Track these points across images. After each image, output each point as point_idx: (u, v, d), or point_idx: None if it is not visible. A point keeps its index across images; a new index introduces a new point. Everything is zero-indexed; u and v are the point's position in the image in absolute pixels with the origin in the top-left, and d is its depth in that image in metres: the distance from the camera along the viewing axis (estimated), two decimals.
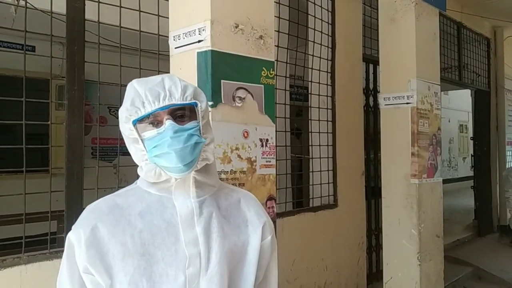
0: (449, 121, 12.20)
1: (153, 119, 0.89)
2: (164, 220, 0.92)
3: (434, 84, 3.29)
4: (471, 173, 7.64)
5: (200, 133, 0.92)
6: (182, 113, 0.91)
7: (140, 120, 0.89)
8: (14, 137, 2.00)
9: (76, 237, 0.88)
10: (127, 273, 0.86)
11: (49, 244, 2.03)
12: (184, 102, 0.90)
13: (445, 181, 3.64)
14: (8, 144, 2.00)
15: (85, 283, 0.88)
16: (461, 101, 11.19)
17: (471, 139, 7.09)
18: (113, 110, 5.02)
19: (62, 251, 0.93)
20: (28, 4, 2.04)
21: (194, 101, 0.92)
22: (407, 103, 3.11)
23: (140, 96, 0.89)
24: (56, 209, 2.10)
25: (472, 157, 6.83)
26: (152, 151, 0.89)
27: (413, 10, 3.14)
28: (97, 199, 2.18)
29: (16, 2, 2.48)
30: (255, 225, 1.01)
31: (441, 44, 5.36)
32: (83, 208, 2.13)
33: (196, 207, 0.94)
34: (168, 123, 0.88)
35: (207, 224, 0.93)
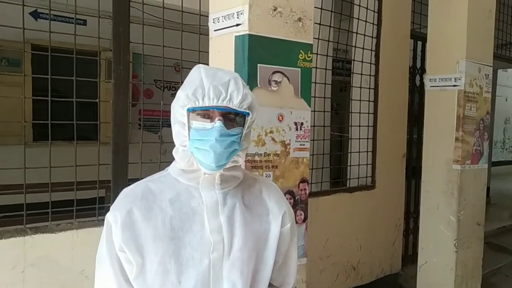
0: (506, 100, 11.43)
1: (206, 113, 0.95)
2: (191, 208, 0.99)
3: (485, 65, 3.10)
4: None
5: (240, 140, 0.98)
6: (233, 117, 0.96)
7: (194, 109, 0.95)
8: (67, 106, 2.18)
9: (113, 219, 0.97)
10: (157, 254, 0.94)
11: (97, 212, 2.22)
12: (239, 110, 0.95)
13: (497, 164, 3.46)
14: (63, 111, 2.25)
15: (120, 259, 0.97)
16: None
17: None
18: (159, 84, 5.14)
19: None
20: None
21: (248, 111, 0.97)
22: (454, 86, 2.96)
23: (203, 88, 0.94)
24: (105, 178, 2.26)
25: None
26: (194, 142, 0.95)
27: None
28: (141, 169, 2.29)
29: None
30: (275, 214, 1.08)
31: (500, 19, 5.01)
32: (129, 180, 2.27)
33: (221, 198, 1.01)
34: (218, 124, 0.93)
35: (230, 213, 1.01)
